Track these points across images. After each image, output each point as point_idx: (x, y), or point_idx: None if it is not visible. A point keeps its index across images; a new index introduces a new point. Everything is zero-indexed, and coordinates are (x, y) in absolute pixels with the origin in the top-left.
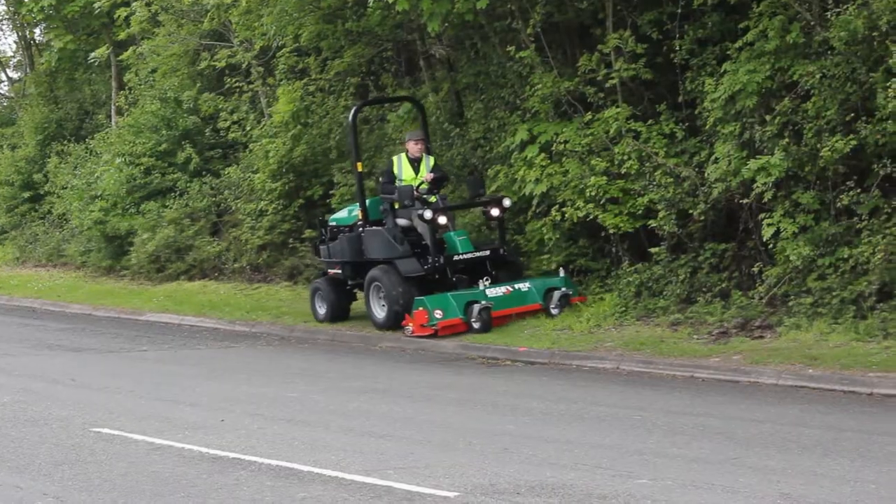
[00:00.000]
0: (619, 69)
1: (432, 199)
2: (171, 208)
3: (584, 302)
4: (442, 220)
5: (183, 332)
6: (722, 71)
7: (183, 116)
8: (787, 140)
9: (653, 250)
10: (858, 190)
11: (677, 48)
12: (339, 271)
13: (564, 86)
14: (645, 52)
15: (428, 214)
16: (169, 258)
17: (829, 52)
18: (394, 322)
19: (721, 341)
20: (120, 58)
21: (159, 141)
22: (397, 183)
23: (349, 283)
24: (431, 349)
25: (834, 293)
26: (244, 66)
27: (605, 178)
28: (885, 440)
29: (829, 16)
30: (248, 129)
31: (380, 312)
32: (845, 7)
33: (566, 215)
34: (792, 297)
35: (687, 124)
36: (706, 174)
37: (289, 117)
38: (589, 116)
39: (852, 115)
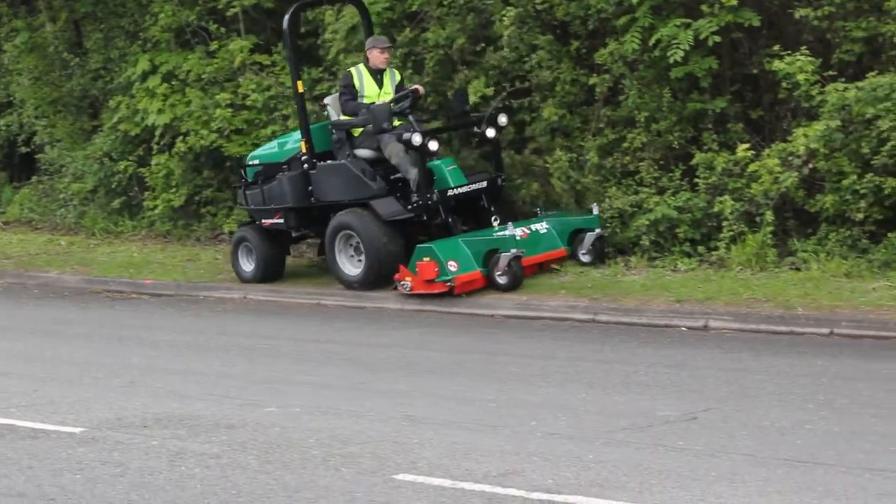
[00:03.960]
0: None
1: (397, 122)
2: None
3: None
4: (433, 145)
5: None
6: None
7: None
8: (410, 71)
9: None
10: None
11: None
12: (281, 221)
13: (185, 15)
14: None
15: (417, 139)
16: None
17: None
18: (375, 278)
19: None
20: None
21: None
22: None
23: (294, 234)
24: (54, 283)
25: None
26: None
27: (229, 110)
28: (505, 360)
29: None
30: None
31: (351, 268)
32: None
33: (190, 145)
34: None
35: (310, 54)
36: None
37: None
38: (216, 45)
39: (482, 45)
